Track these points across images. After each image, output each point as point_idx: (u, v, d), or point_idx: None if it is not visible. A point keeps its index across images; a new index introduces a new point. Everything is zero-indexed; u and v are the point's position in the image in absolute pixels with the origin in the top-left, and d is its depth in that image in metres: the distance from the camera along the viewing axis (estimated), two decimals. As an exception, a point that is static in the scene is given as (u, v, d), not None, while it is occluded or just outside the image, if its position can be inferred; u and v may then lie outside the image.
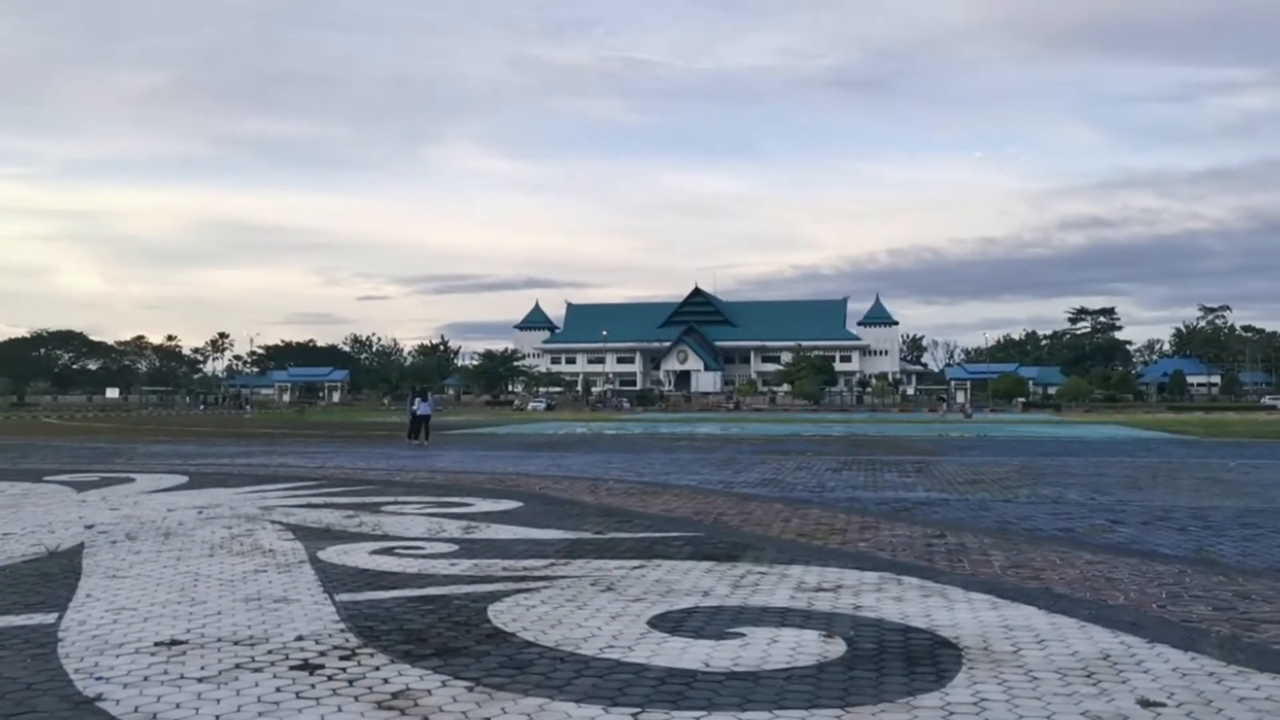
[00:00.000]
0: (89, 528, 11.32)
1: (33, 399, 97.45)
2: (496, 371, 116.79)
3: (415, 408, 32.78)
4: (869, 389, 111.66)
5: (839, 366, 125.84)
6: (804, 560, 9.27)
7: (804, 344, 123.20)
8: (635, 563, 9.11)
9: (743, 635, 6.47)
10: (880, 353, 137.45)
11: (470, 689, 5.36)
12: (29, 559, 9.39)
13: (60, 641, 6.34)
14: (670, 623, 6.83)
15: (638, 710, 4.99)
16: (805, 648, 6.18)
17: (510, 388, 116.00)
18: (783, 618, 6.97)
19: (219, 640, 6.37)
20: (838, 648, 6.19)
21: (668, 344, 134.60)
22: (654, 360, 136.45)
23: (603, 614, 7.08)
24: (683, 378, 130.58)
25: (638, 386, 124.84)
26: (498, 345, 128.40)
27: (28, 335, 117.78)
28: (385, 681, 5.48)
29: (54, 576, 8.51)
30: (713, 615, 7.06)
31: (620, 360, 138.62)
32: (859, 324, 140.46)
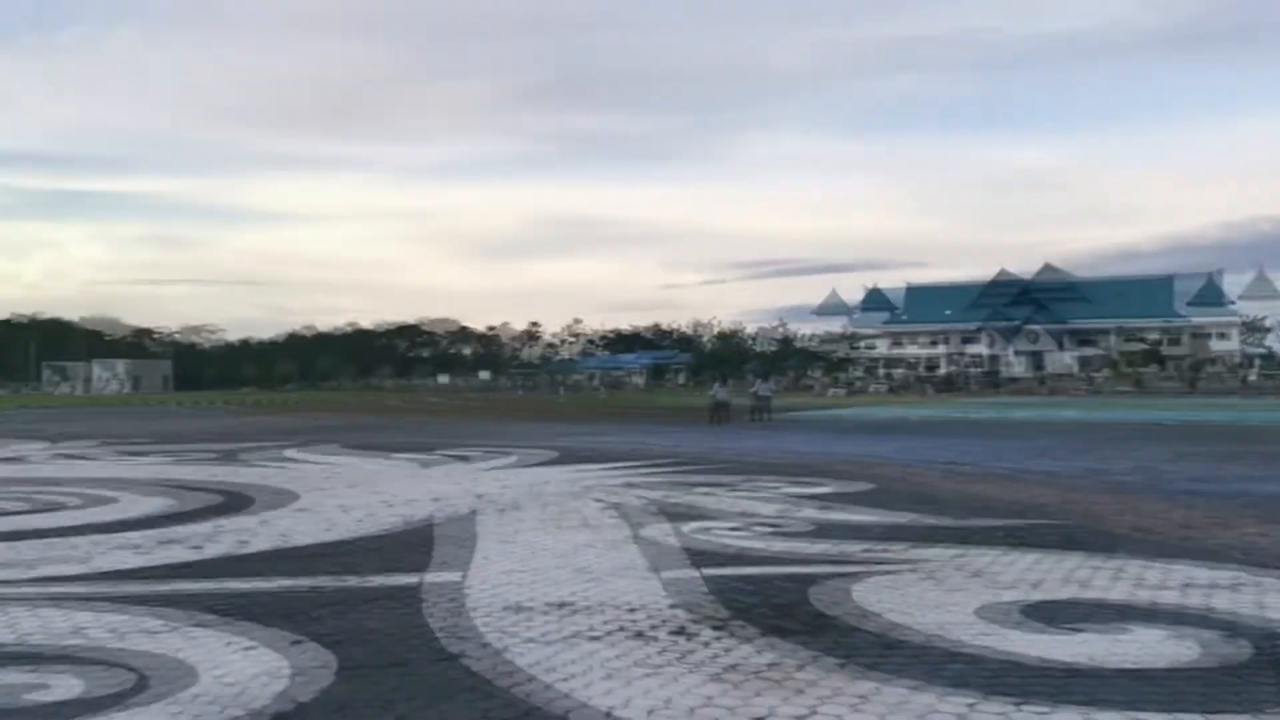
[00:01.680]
0: (436, 501, 12.11)
1: (378, 384, 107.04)
2: (833, 355, 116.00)
3: (756, 389, 32.94)
4: (1206, 372, 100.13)
5: (1166, 350, 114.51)
6: (1189, 556, 8.23)
7: (1174, 323, 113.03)
8: (1000, 550, 8.49)
9: (1129, 631, 5.81)
10: (1218, 335, 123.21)
11: (841, 665, 5.15)
12: (389, 529, 10.22)
13: (423, 602, 6.74)
14: (1045, 613, 6.25)
15: (1019, 701, 4.57)
16: (1199, 647, 5.47)
17: (849, 371, 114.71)
18: (1177, 616, 6.19)
19: (560, 608, 6.53)
20: (1242, 650, 5.42)
21: (1016, 324, 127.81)
22: (1000, 341, 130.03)
23: (971, 601, 6.61)
24: (1033, 358, 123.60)
25: (984, 368, 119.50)
26: (834, 328, 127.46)
27: (372, 327, 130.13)
28: (715, 657, 5.40)
29: (412, 545, 9.14)
30: (1094, 609, 6.40)
31: (965, 340, 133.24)
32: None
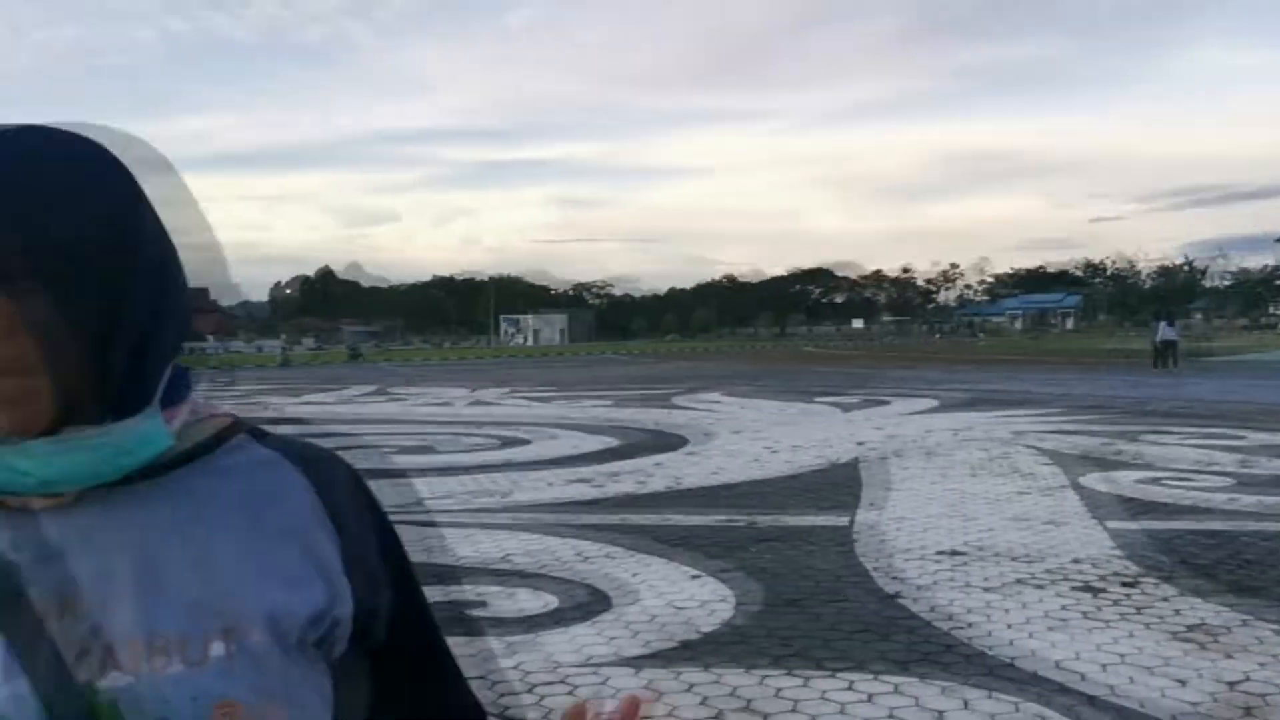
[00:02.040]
0: (860, 444, 12.46)
1: (791, 330, 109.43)
2: (1256, 293, 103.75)
3: (1160, 334, 30.51)
4: None
5: None
6: None
7: None
8: None
9: None
10: None
11: (1278, 632, 4.95)
12: (819, 468, 10.65)
13: (855, 542, 7.12)
14: None
15: None
16: None
17: (1274, 310, 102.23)
18: None
19: (997, 555, 6.65)
20: None
21: None
22: None
23: None
24: None
25: None
26: (1258, 262, 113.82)
27: (784, 274, 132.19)
28: (1177, 613, 5.30)
29: (839, 485, 9.54)
30: None
31: None
32: None
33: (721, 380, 27.23)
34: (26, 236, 0.70)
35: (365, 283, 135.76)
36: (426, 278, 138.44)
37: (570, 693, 4.34)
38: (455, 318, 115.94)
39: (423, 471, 10.83)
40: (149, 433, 0.77)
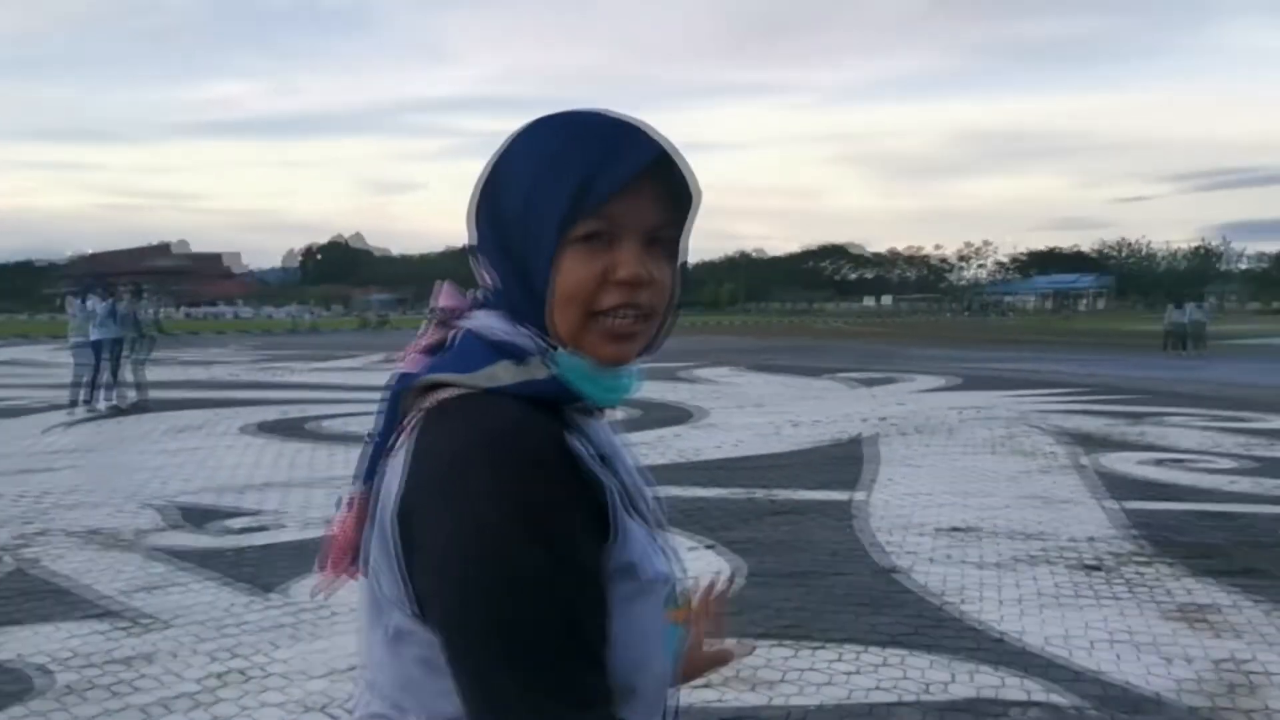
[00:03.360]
0: (881, 419, 12.49)
1: (817, 306, 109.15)
2: (1272, 277, 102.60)
3: (1170, 317, 30.24)
4: None
5: None
6: None
7: None
8: None
9: None
10: None
11: (1270, 613, 4.99)
12: (835, 443, 10.70)
13: (861, 516, 7.18)
14: None
15: None
16: None
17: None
18: None
19: (997, 533, 6.70)
20: None
21: None
22: None
23: None
24: None
25: None
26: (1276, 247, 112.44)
27: (799, 250, 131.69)
28: (1169, 593, 5.35)
29: (857, 460, 9.59)
30: None
31: None
32: None
33: (744, 354, 27.23)
34: (679, 220, 0.98)
35: (392, 250, 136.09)
36: (447, 246, 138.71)
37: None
38: (473, 285, 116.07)
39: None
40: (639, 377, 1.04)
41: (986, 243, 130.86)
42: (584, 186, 0.91)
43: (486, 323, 0.98)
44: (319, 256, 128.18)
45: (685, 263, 1.01)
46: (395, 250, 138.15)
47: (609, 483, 0.92)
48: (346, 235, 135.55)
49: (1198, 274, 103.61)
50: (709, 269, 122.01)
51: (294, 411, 13.47)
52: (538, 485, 0.87)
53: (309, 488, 8.29)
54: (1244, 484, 8.28)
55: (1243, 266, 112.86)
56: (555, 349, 0.95)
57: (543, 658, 0.85)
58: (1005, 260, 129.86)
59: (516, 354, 0.95)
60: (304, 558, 5.95)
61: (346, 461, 9.36)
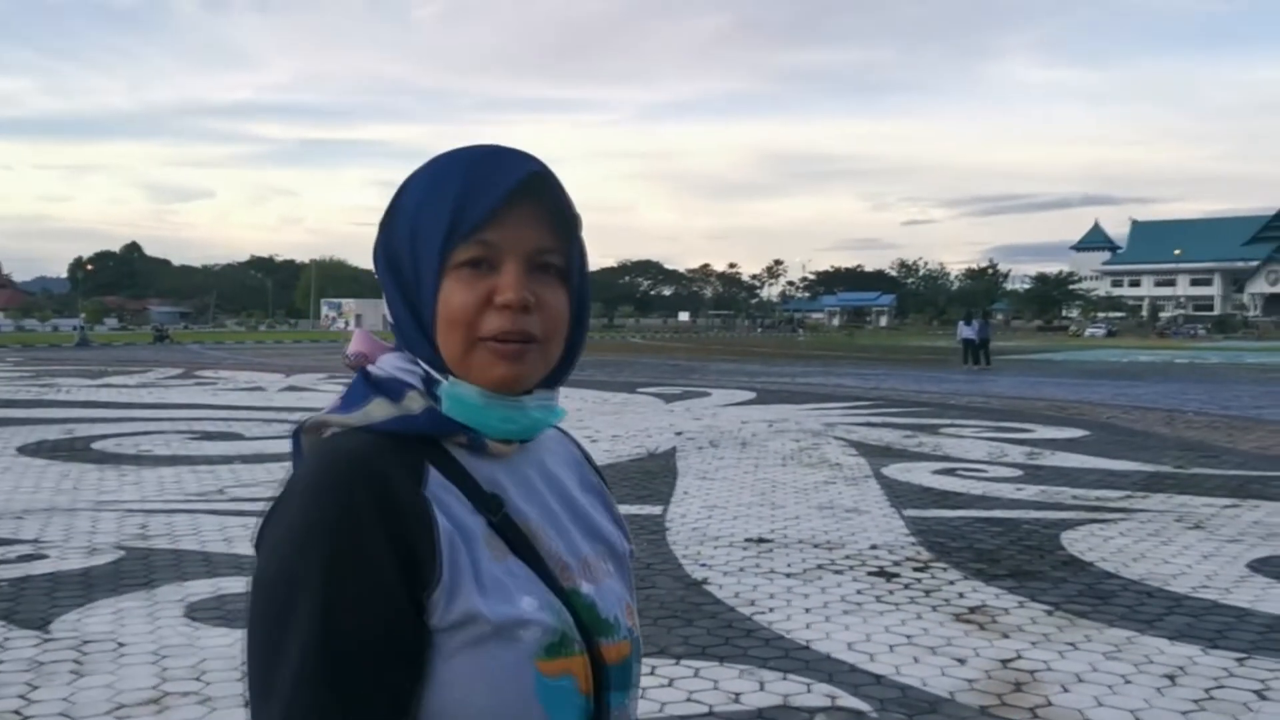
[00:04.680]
0: (679, 434, 12.67)
1: (619, 322, 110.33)
2: (1050, 296, 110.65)
3: (961, 333, 32.19)
4: None
5: None
6: None
7: None
8: (1227, 501, 8.33)
9: (1372, 591, 5.70)
10: None
11: (1049, 613, 5.31)
12: (634, 459, 10.77)
13: (668, 530, 7.24)
14: (1275, 568, 6.19)
15: (1243, 656, 4.64)
16: None
17: (1065, 313, 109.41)
18: None
19: (800, 542, 6.89)
20: None
21: (1255, 263, 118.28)
22: (1237, 283, 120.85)
23: (1192, 552, 6.60)
24: (1273, 301, 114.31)
25: (1215, 311, 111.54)
26: (1051, 268, 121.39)
27: (615, 265, 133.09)
28: (961, 596, 5.61)
29: (655, 474, 9.68)
30: (1330, 565, 6.28)
31: (1194, 283, 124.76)
32: None
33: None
34: (569, 246, 0.99)
35: (175, 260, 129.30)
36: (243, 257, 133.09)
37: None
38: (273, 300, 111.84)
39: (227, 458, 10.40)
40: (559, 405, 1.03)
41: (778, 261, 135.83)
42: (458, 212, 0.94)
43: (383, 363, 1.00)
44: (90, 267, 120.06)
45: (583, 286, 1.02)
46: (180, 261, 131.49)
47: (445, 525, 0.90)
48: (127, 243, 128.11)
49: (986, 292, 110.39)
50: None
51: (81, 430, 12.57)
52: (324, 528, 0.87)
53: (96, 512, 7.72)
54: (1028, 491, 8.81)
55: (1022, 286, 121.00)
56: (443, 381, 0.96)
57: (278, 707, 0.86)
58: (809, 277, 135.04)
59: (392, 390, 0.96)
60: (78, 588, 5.52)
61: (138, 482, 8.83)
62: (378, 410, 0.95)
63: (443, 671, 0.88)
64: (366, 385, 0.97)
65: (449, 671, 0.88)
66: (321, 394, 18.89)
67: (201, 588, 5.63)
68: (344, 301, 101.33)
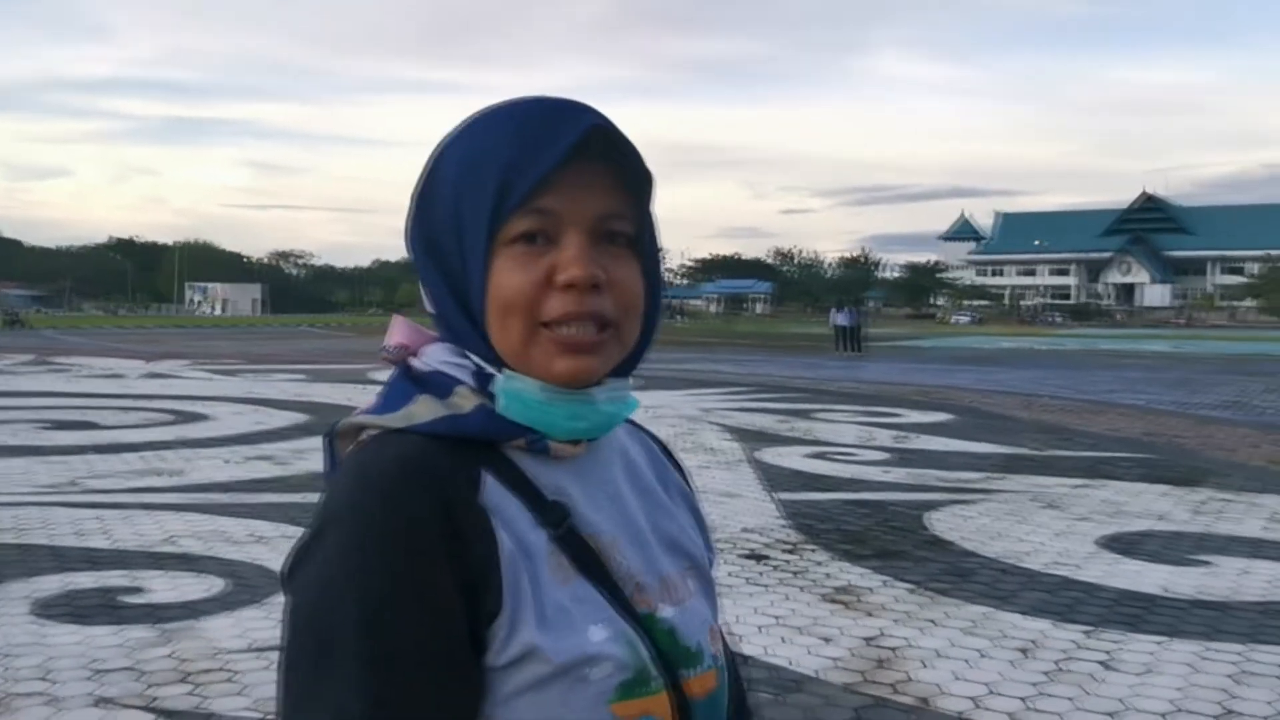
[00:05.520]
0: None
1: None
2: (920, 284, 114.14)
3: (833, 320, 32.98)
4: None
5: None
6: (1276, 490, 8.39)
7: (1275, 253, 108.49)
8: (1079, 481, 8.71)
9: (1208, 564, 6.03)
10: None
11: (912, 591, 5.46)
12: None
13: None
14: (1122, 544, 6.49)
15: (1091, 629, 4.84)
16: (1283, 582, 5.65)
17: (934, 301, 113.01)
18: (1255, 549, 6.39)
19: (714, 524, 6.91)
20: (1324, 586, 5.59)
21: (1109, 254, 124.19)
22: (1093, 272, 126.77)
23: (1046, 530, 6.88)
24: (1126, 291, 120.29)
25: (1073, 300, 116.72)
26: (921, 257, 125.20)
27: None
28: (829, 576, 5.72)
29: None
30: (1171, 540, 6.62)
31: (1054, 272, 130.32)
32: None
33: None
34: (641, 211, 0.86)
35: (28, 241, 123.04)
36: (103, 239, 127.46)
37: (230, 679, 4.12)
38: (136, 284, 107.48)
39: (80, 448, 9.93)
40: (633, 396, 0.90)
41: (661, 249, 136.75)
42: (508, 178, 0.80)
43: (428, 355, 0.87)
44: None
45: (656, 255, 0.89)
46: (35, 242, 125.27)
47: (508, 544, 0.78)
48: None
49: (859, 281, 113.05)
50: (396, 269, 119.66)
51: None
52: (376, 549, 0.74)
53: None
54: (895, 474, 9.05)
55: (892, 275, 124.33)
56: (498, 375, 0.83)
57: None
58: (689, 265, 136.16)
59: (439, 387, 0.83)
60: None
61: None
62: (422, 410, 0.82)
63: (500, 716, 0.77)
64: (408, 381, 0.85)
65: (508, 716, 0.77)
66: (185, 380, 18.26)
67: (50, 584, 5.37)
68: (211, 286, 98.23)
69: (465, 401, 0.82)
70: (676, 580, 0.88)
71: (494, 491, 0.80)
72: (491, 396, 0.83)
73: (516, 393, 0.82)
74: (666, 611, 0.85)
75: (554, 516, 0.81)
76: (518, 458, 0.83)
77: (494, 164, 0.81)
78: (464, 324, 0.84)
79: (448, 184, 0.84)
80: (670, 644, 0.83)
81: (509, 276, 0.81)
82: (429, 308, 0.89)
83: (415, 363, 0.87)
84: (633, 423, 0.97)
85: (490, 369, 0.84)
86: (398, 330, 0.90)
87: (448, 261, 0.84)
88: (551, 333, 0.81)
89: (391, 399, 0.84)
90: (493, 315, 0.82)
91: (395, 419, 0.82)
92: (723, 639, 0.92)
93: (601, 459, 0.88)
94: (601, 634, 0.79)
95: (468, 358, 0.85)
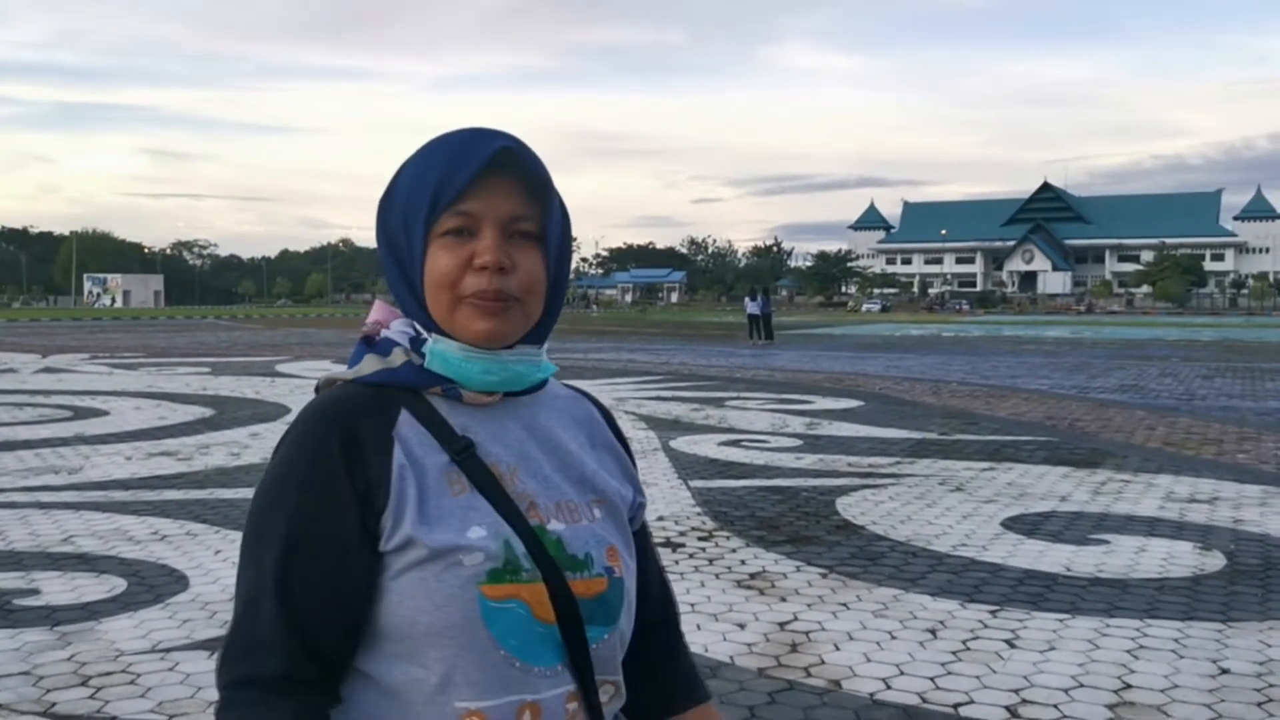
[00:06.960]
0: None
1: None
2: (830, 273, 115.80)
3: (749, 309, 33.23)
4: (1245, 290, 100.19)
5: (1209, 266, 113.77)
6: (1173, 470, 8.70)
7: (1169, 241, 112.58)
8: (984, 465, 8.92)
9: (1106, 542, 6.22)
10: (1260, 250, 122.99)
11: (824, 576, 5.53)
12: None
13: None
14: (1026, 525, 6.67)
15: (996, 608, 4.96)
16: (1178, 559, 5.85)
17: (844, 289, 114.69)
18: (1151, 527, 6.61)
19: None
20: (1215, 561, 5.82)
21: (1011, 243, 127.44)
22: (996, 261, 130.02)
23: (953, 513, 7.03)
24: (1028, 279, 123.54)
25: (978, 288, 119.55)
26: (831, 246, 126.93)
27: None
28: (743, 563, 5.77)
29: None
30: (1072, 521, 6.82)
31: (959, 261, 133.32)
32: (1235, 219, 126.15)
33: (334, 347, 26.40)
34: (544, 213, 1.11)
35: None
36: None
37: (132, 682, 4.00)
38: (29, 275, 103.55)
39: (-29, 447, 9.55)
40: (547, 361, 1.15)
41: (573, 238, 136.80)
42: (440, 187, 1.07)
43: (392, 327, 1.13)
44: None
45: (562, 249, 1.14)
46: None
47: (400, 459, 1.04)
48: None
49: (771, 270, 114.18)
50: (298, 258, 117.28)
51: None
52: (298, 460, 1.04)
53: None
54: (806, 460, 9.16)
55: (804, 264, 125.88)
56: (430, 339, 1.10)
57: (245, 607, 1.02)
58: (602, 254, 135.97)
59: (382, 349, 1.11)
60: None
61: None
62: (367, 365, 1.10)
63: (391, 589, 1.02)
64: (364, 345, 1.13)
65: (396, 589, 1.02)
66: (83, 375, 17.65)
67: (-63, 588, 5.14)
68: (110, 276, 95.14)
69: (398, 359, 1.10)
70: (578, 506, 1.11)
71: (405, 424, 1.07)
72: (423, 355, 1.09)
73: (440, 352, 1.09)
74: (557, 526, 1.08)
75: (457, 445, 1.06)
76: (436, 401, 1.09)
77: (430, 178, 1.08)
78: (410, 300, 1.11)
79: (400, 194, 1.11)
80: (558, 551, 1.06)
81: (440, 261, 1.07)
82: (389, 289, 1.15)
83: (381, 332, 1.13)
84: (582, 392, 1.25)
85: (426, 335, 1.10)
86: (376, 310, 1.16)
87: (399, 252, 1.11)
88: (469, 303, 1.06)
89: (353, 359, 1.13)
90: (429, 291, 1.08)
91: (349, 373, 1.12)
92: (623, 560, 1.12)
93: (522, 411, 1.14)
94: (480, 532, 1.03)
95: (413, 327, 1.11)
